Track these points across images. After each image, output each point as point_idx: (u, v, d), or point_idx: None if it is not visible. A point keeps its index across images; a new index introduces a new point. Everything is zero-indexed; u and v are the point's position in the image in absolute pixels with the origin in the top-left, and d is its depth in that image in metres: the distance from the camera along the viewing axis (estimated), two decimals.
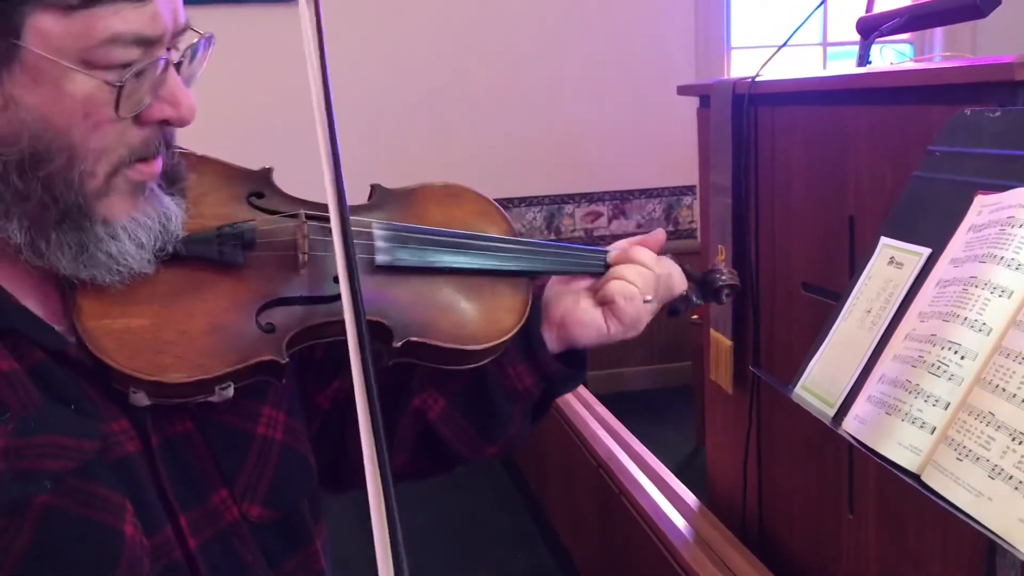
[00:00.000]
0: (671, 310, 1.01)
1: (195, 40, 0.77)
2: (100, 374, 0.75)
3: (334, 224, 0.64)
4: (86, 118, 0.70)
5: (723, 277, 1.03)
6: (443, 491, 3.12)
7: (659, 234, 1.01)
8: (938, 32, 4.14)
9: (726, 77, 3.14)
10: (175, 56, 0.75)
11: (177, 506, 0.78)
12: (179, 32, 0.74)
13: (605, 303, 0.94)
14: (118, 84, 0.70)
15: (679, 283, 0.99)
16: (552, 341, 0.96)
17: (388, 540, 0.53)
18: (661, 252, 0.99)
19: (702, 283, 1.03)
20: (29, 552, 0.67)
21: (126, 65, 0.70)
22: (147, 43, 0.71)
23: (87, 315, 0.75)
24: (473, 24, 3.84)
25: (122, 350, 0.74)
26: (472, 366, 0.90)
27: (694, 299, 1.02)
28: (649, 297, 0.95)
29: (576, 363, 0.99)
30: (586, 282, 0.98)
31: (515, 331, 0.91)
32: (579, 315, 0.95)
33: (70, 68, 0.68)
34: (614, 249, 0.98)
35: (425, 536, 2.86)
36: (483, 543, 2.87)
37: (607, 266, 0.97)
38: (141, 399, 0.75)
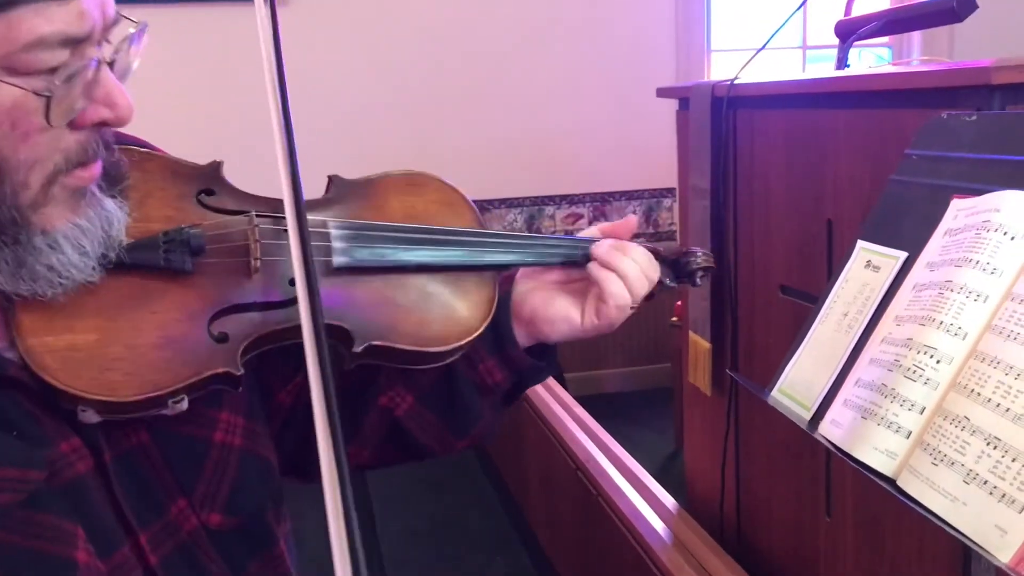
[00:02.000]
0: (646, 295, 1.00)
1: (129, 31, 0.71)
2: (46, 393, 0.69)
3: (291, 231, 0.58)
4: (14, 129, 0.64)
5: (698, 259, 1.01)
6: (421, 494, 3.10)
7: (630, 220, 0.98)
8: (916, 36, 4.16)
9: (706, 80, 3.15)
10: (108, 52, 0.69)
11: (135, 523, 0.74)
12: (109, 26, 0.69)
13: (601, 300, 0.92)
14: (46, 93, 0.64)
15: (653, 276, 0.96)
16: (522, 336, 0.94)
17: (346, 540, 0.49)
18: (632, 238, 0.97)
19: (675, 265, 1.00)
20: None
21: (54, 69, 0.64)
22: (75, 43, 0.65)
23: (28, 332, 0.69)
24: (452, 25, 3.83)
25: (66, 369, 0.69)
26: (438, 365, 0.87)
27: (667, 283, 1.00)
28: (635, 305, 0.93)
29: (547, 355, 0.97)
30: (555, 274, 0.95)
31: (481, 330, 0.88)
32: (551, 312, 0.93)
33: None
34: (601, 244, 0.94)
35: (403, 540, 2.85)
36: (461, 546, 2.86)
37: (588, 259, 0.94)
38: (91, 417, 0.70)
